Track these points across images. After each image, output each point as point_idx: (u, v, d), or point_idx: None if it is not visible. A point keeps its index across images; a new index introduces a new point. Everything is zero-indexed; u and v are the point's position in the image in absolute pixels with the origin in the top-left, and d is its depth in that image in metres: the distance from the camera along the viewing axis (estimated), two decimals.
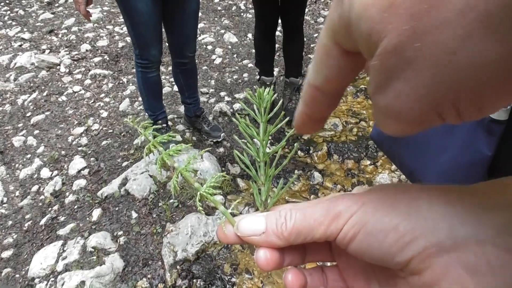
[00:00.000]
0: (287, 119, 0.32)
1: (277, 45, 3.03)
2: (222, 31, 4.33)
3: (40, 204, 2.35)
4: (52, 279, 1.87)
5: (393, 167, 2.39)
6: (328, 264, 0.33)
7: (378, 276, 0.29)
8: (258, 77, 3.00)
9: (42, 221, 2.22)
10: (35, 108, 3.24)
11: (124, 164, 2.54)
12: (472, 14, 0.15)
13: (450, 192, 0.25)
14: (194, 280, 1.82)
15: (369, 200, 0.26)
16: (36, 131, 2.97)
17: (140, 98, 3.13)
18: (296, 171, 2.45)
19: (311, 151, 2.60)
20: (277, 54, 3.54)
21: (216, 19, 4.67)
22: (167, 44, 2.39)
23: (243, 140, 0.33)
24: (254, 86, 3.32)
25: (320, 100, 0.25)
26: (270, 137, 0.32)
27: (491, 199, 0.23)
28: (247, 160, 0.32)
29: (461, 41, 0.16)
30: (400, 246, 0.24)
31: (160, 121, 2.44)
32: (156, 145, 0.28)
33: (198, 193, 0.28)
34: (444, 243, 0.23)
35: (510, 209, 0.23)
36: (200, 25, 4.14)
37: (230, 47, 4.00)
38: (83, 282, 1.80)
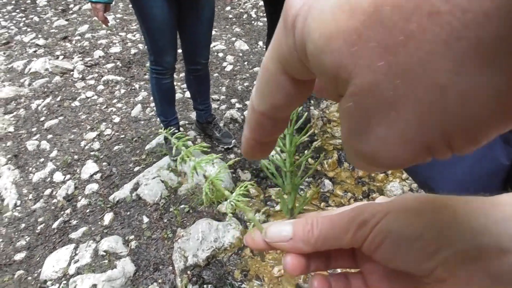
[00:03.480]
0: (312, 130, 0.33)
1: None
2: (233, 38, 4.37)
3: (53, 207, 2.38)
4: (64, 282, 1.89)
5: (404, 175, 2.38)
6: (352, 270, 0.34)
7: (401, 283, 0.30)
8: None
9: (55, 225, 2.25)
10: (48, 113, 3.30)
11: (136, 169, 2.57)
12: (461, 44, 0.13)
13: (473, 202, 0.26)
14: (205, 286, 1.83)
15: (394, 209, 0.27)
16: (50, 136, 3.01)
17: (152, 104, 3.17)
18: (306, 179, 2.45)
19: (321, 159, 2.61)
20: None
21: (227, 27, 4.72)
22: (180, 50, 2.42)
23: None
24: None
25: (266, 126, 0.23)
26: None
27: None
28: (274, 169, 0.33)
29: (451, 75, 0.14)
30: (426, 255, 0.25)
31: (172, 127, 2.47)
32: (189, 155, 0.29)
33: (228, 200, 0.30)
34: (469, 252, 0.24)
35: None
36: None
37: (241, 54, 4.03)
38: (94, 286, 1.81)
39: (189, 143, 0.31)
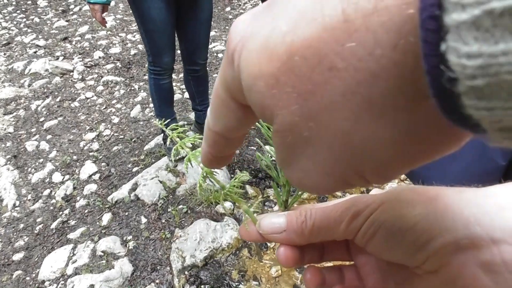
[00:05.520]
0: None
1: None
2: None
3: (52, 208, 2.38)
4: (62, 282, 1.89)
5: (402, 176, 2.38)
6: (346, 263, 0.34)
7: (394, 274, 0.29)
8: None
9: (53, 225, 2.24)
10: (48, 114, 3.30)
11: (134, 169, 2.57)
12: (356, 98, 0.14)
13: (466, 192, 0.26)
14: (202, 286, 1.82)
15: (388, 200, 0.27)
16: (49, 136, 3.01)
17: (151, 105, 3.17)
18: None
19: None
20: None
21: (227, 27, 4.72)
22: (178, 51, 2.43)
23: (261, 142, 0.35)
24: None
25: (221, 143, 0.24)
26: None
27: (505, 200, 0.24)
28: (269, 161, 0.33)
29: (352, 123, 0.15)
30: (418, 245, 0.25)
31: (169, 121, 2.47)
32: (183, 146, 0.29)
33: (223, 192, 0.30)
34: (461, 242, 0.23)
35: None
36: (211, 33, 4.19)
37: None
38: (92, 286, 1.81)
39: (190, 133, 0.31)
